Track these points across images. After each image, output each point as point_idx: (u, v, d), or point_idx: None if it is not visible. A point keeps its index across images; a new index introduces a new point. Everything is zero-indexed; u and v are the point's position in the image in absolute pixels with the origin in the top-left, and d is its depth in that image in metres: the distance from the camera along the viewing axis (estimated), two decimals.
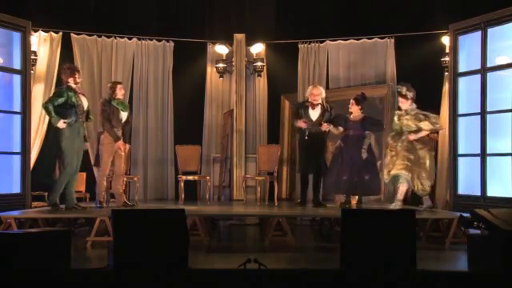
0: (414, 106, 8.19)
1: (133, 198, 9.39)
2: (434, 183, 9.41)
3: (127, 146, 8.66)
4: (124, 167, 8.55)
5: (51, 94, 8.20)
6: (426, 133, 8.06)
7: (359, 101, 8.62)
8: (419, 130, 8.02)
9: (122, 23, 10.52)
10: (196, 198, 10.17)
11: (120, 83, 8.58)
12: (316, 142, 8.80)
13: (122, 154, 8.36)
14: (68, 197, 7.91)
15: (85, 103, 7.98)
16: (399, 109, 8.34)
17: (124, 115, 8.33)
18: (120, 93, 8.34)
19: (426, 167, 8.02)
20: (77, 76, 7.94)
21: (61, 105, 7.75)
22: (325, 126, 8.73)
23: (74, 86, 7.87)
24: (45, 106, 7.84)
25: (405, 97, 8.16)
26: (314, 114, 8.82)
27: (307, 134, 8.79)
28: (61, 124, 7.70)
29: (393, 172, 8.05)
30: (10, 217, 7.20)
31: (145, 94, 10.76)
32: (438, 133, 9.26)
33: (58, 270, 4.68)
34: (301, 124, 8.78)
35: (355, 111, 8.63)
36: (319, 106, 8.86)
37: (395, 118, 8.27)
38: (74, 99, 7.79)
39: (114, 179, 8.37)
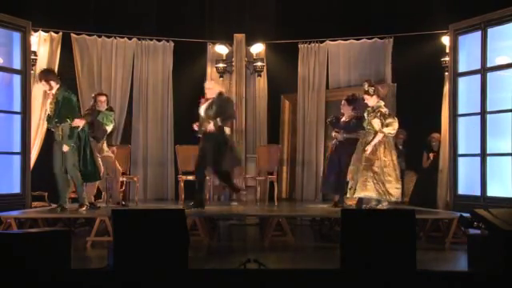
0: (382, 102, 7.98)
1: (133, 198, 9.40)
2: (436, 183, 9.44)
3: (114, 148, 8.65)
4: (118, 168, 8.57)
5: None
6: (378, 138, 7.78)
7: (350, 101, 8.72)
8: (373, 137, 7.82)
9: (122, 23, 10.51)
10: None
11: (102, 94, 8.65)
12: (209, 140, 8.05)
13: (112, 155, 8.44)
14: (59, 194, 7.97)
15: (48, 109, 7.84)
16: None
17: (109, 128, 8.44)
18: (101, 105, 8.43)
19: (392, 171, 7.75)
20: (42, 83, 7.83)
21: None
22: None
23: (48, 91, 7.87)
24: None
25: (367, 93, 7.96)
26: (202, 109, 8.17)
27: (201, 134, 8.25)
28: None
29: (358, 195, 7.79)
30: (10, 217, 7.20)
31: (145, 93, 10.76)
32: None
33: (57, 270, 4.68)
34: (193, 127, 8.37)
35: (347, 112, 8.72)
36: (208, 101, 8.17)
37: (365, 115, 8.07)
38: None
39: (111, 180, 8.45)
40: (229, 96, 8.38)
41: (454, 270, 5.61)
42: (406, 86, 9.95)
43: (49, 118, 7.77)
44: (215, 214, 8.89)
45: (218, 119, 7.91)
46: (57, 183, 7.83)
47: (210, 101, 8.07)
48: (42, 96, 9.47)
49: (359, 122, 8.61)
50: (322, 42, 10.78)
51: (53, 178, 7.84)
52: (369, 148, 7.74)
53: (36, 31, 9.44)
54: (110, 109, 8.61)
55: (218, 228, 9.40)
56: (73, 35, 10.16)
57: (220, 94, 8.15)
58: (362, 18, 10.43)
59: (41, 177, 8.87)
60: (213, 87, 8.20)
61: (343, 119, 8.81)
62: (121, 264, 4.73)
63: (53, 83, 7.69)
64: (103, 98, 8.52)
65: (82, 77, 10.17)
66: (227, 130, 8.10)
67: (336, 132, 8.80)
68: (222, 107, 7.98)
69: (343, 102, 8.78)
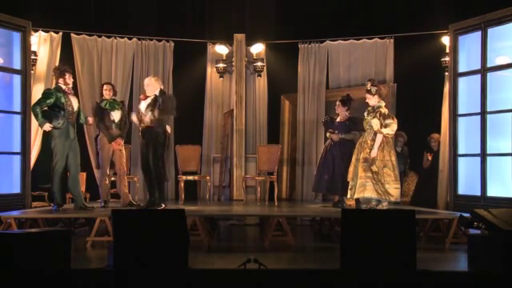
0: (383, 103, 7.97)
1: (133, 198, 9.38)
2: (436, 183, 9.43)
3: (120, 140, 8.30)
4: (124, 167, 8.52)
5: (40, 96, 8.08)
6: (380, 140, 7.76)
7: (345, 102, 8.80)
8: (373, 138, 7.81)
9: (122, 23, 10.51)
10: (196, 197, 10.18)
11: (107, 84, 8.54)
12: (148, 138, 7.90)
13: (123, 153, 8.38)
14: (75, 197, 7.94)
15: (75, 104, 7.95)
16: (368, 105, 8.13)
17: (115, 114, 8.29)
18: (105, 93, 8.33)
19: (391, 171, 7.74)
20: (67, 77, 7.89)
21: (50, 106, 7.74)
22: None
23: (63, 87, 7.86)
24: (32, 109, 7.82)
25: (369, 92, 7.94)
26: (143, 105, 7.96)
27: (140, 129, 8.05)
28: (46, 127, 7.70)
29: (357, 196, 7.78)
30: (10, 217, 7.21)
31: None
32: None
33: (57, 270, 4.68)
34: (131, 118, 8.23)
35: (341, 112, 8.77)
36: (150, 98, 7.96)
37: (365, 114, 8.04)
38: (63, 100, 7.77)
39: (118, 179, 8.39)
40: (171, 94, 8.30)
41: (454, 270, 5.61)
42: (406, 86, 9.95)
43: (73, 114, 7.88)
44: (215, 214, 8.90)
45: (157, 111, 7.78)
46: (54, 181, 7.78)
47: (152, 96, 7.92)
48: None
49: (354, 123, 8.63)
50: (322, 42, 10.77)
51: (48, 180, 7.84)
52: (373, 153, 7.73)
53: (36, 31, 9.44)
54: (114, 100, 8.48)
55: (218, 228, 9.41)
56: (73, 35, 10.15)
57: (162, 90, 8.05)
58: (362, 18, 10.43)
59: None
60: (153, 84, 7.98)
61: (338, 120, 8.86)
62: (121, 264, 4.73)
63: None
64: (107, 87, 8.40)
65: (82, 77, 10.15)
66: (168, 128, 8.06)
67: (330, 132, 8.81)
68: (165, 102, 7.88)
69: (338, 102, 8.87)
